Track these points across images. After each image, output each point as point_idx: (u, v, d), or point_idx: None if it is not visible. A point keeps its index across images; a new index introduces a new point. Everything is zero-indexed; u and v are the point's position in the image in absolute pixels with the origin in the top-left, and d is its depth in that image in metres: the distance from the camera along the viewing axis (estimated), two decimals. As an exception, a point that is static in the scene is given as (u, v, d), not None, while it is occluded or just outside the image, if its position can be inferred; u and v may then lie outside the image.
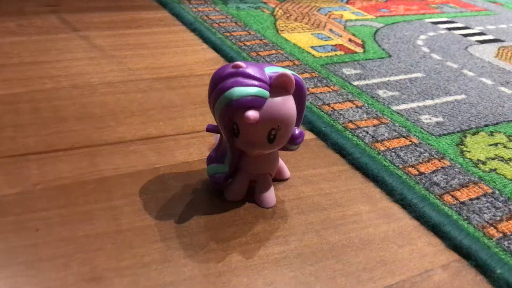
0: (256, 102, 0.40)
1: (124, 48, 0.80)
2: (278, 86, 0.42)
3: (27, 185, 0.47)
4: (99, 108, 0.62)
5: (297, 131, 0.46)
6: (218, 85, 0.41)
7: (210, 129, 0.47)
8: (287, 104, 0.43)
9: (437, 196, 0.50)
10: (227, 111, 0.41)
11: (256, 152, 0.45)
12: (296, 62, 0.80)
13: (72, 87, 0.67)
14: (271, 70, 0.43)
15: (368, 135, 0.60)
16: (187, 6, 1.02)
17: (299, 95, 0.45)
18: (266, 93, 0.41)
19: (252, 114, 0.40)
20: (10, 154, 0.52)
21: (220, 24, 0.94)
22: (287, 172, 0.52)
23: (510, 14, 1.23)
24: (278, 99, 0.42)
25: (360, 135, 0.60)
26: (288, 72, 0.42)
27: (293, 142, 0.46)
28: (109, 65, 0.74)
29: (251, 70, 0.41)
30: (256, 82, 0.42)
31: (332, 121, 0.63)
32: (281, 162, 0.51)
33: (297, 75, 0.44)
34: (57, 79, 0.69)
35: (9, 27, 0.85)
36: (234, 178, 0.48)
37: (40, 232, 0.42)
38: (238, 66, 0.41)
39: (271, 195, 0.47)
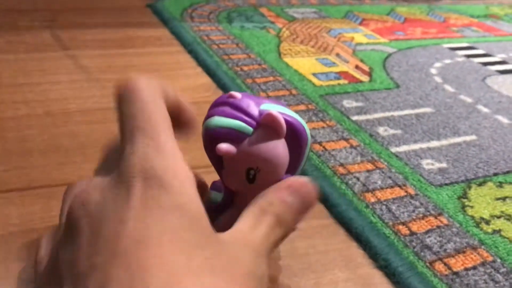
0: (233, 136, 0.36)
1: (112, 70, 0.76)
2: (266, 125, 0.37)
3: (-35, 233, 0.43)
4: (69, 139, 0.58)
5: (288, 177, 0.40)
6: (208, 112, 0.38)
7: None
8: (271, 145, 0.38)
9: (428, 264, 0.44)
10: (206, 140, 0.37)
11: (238, 189, 0.40)
12: (294, 92, 0.75)
13: (46, 114, 0.63)
14: (267, 107, 0.38)
15: (359, 183, 0.54)
16: (188, 25, 0.98)
17: (295, 140, 0.39)
18: (248, 129, 0.36)
19: (223, 147, 0.35)
20: (-43, 193, 0.48)
21: (220, 45, 0.89)
22: None
23: (537, 40, 1.14)
24: (261, 139, 0.37)
25: (350, 182, 0.54)
26: (277, 113, 0.37)
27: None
28: (91, 90, 0.69)
29: (242, 102, 0.38)
30: (241, 115, 0.37)
31: (320, 164, 0.57)
32: None
33: (298, 117, 0.39)
34: (32, 104, 0.65)
35: (-3, 44, 0.82)
36: (227, 211, 0.43)
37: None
38: (232, 96, 0.38)
39: None
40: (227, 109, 0.36)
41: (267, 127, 0.37)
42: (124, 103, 0.27)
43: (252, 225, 0.30)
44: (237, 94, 0.37)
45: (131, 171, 0.25)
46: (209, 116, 0.37)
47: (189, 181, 0.26)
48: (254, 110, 0.37)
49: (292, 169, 0.42)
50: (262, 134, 0.37)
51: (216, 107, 0.37)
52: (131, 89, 0.27)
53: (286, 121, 0.37)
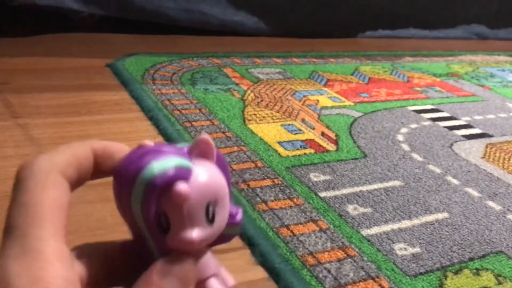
0: (182, 173, 0.31)
1: (64, 142, 0.70)
2: (198, 154, 0.33)
3: None
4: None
5: (233, 208, 0.35)
6: (128, 173, 0.31)
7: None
8: (215, 172, 0.34)
9: None
10: (151, 195, 0.31)
11: (198, 243, 0.33)
12: (259, 164, 0.71)
13: (-13, 197, 0.57)
14: (182, 145, 0.34)
15: (330, 276, 0.50)
16: (150, 87, 0.94)
17: (222, 165, 0.35)
18: (187, 163, 0.32)
19: (182, 187, 0.30)
20: None
21: (182, 111, 0.86)
22: (229, 281, 0.39)
23: (498, 101, 1.16)
24: (204, 168, 0.32)
25: (320, 275, 0.50)
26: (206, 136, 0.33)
27: (233, 221, 0.35)
28: (40, 166, 0.64)
29: (162, 146, 0.32)
30: (175, 152, 0.32)
31: (288, 254, 0.53)
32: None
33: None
34: (-28, 185, 0.59)
35: None
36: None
37: None
38: (145, 145, 0.32)
39: None
40: (155, 154, 0.32)
41: (198, 156, 0.33)
42: (14, 190, 0.25)
43: None
44: (148, 141, 0.33)
45: None
46: (139, 169, 0.31)
47: (55, 285, 0.23)
48: (177, 147, 0.33)
49: (230, 196, 0.37)
50: (202, 164, 0.33)
51: (136, 162, 0.32)
52: (18, 178, 0.25)
53: None
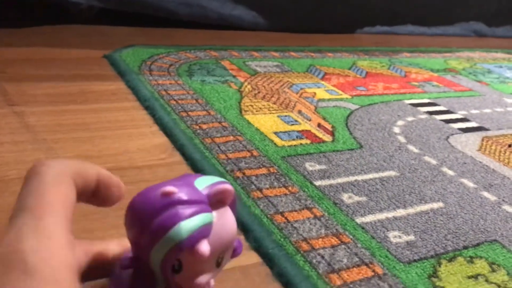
0: (205, 233, 0.33)
1: (60, 129, 0.71)
2: (217, 201, 0.35)
3: None
4: (3, 215, 0.52)
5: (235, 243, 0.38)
6: (153, 228, 0.33)
7: (127, 266, 0.38)
8: (231, 221, 0.36)
9: None
10: (175, 253, 0.33)
11: (205, 285, 0.36)
12: (255, 153, 0.71)
13: (-19, 182, 0.57)
14: (203, 185, 0.35)
15: (323, 262, 0.50)
16: (146, 78, 0.94)
17: (233, 204, 0.38)
18: (210, 217, 0.34)
19: (205, 249, 0.33)
20: None
21: (179, 101, 0.86)
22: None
23: (495, 96, 1.16)
24: (222, 220, 0.35)
25: (314, 261, 0.50)
26: (226, 184, 0.35)
27: (235, 255, 0.38)
28: (35, 153, 0.64)
29: (186, 194, 0.34)
30: (197, 208, 0.34)
31: (283, 239, 0.53)
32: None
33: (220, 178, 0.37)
34: (-33, 170, 0.59)
35: None
36: None
37: None
38: (169, 193, 0.34)
39: None
40: (181, 209, 0.33)
41: (216, 202, 0.35)
42: (25, 183, 0.27)
43: None
44: (172, 188, 0.34)
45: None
46: (167, 227, 0.33)
47: (65, 267, 0.24)
48: (200, 194, 0.35)
49: None
50: (220, 215, 0.35)
51: (162, 212, 0.34)
52: (34, 171, 0.27)
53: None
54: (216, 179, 0.36)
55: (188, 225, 0.33)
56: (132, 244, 0.37)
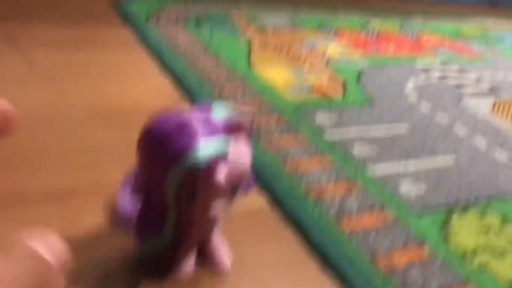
0: (221, 158, 0.34)
1: (67, 72, 0.69)
2: (233, 130, 0.36)
3: None
4: (9, 148, 0.51)
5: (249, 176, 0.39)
6: (167, 153, 0.33)
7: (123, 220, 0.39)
8: (244, 148, 0.36)
9: (411, 303, 0.40)
10: (190, 179, 0.33)
11: (216, 213, 0.36)
12: (265, 101, 0.70)
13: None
14: (220, 113, 0.36)
15: (334, 207, 0.49)
16: (154, 26, 0.92)
17: (248, 134, 0.38)
18: (227, 144, 0.34)
19: (221, 178, 0.33)
20: None
21: (187, 50, 0.84)
22: (225, 262, 0.40)
23: (507, 63, 1.14)
24: (236, 146, 0.35)
25: (324, 206, 0.49)
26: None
27: (249, 189, 0.39)
28: (42, 93, 0.63)
29: (203, 122, 0.35)
30: (214, 135, 0.35)
31: (292, 185, 0.52)
32: (218, 248, 0.40)
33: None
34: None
35: None
36: (179, 250, 0.38)
37: None
38: (188, 120, 0.35)
39: (227, 251, 0.39)
40: (199, 134, 0.33)
41: (233, 131, 0.35)
42: None
43: None
44: (190, 115, 0.35)
45: None
46: (177, 151, 0.33)
47: None
48: (216, 121, 0.35)
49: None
50: (235, 143, 0.35)
51: (180, 137, 0.33)
52: None
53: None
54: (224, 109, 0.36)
55: (205, 150, 0.33)
56: (145, 173, 0.36)
